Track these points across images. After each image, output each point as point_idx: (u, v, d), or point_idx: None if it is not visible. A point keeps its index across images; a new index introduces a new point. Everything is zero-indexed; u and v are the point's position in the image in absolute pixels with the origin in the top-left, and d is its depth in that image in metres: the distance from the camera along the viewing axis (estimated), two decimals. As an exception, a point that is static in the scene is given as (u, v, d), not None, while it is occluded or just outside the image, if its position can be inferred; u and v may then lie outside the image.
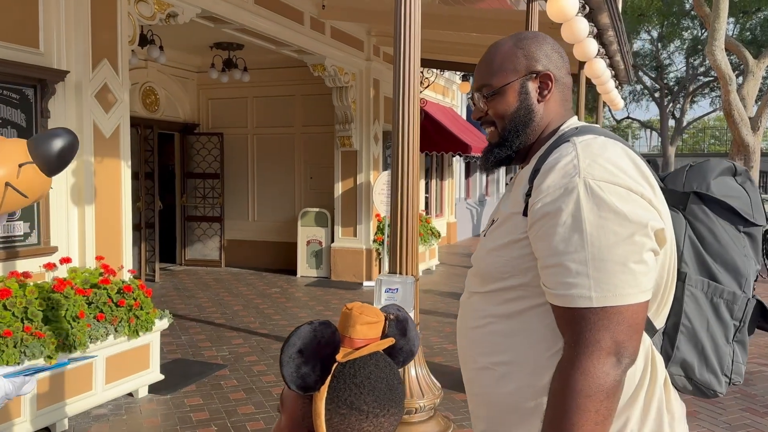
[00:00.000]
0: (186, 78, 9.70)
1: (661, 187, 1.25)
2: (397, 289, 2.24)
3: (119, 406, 4.21)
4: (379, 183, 8.33)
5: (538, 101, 1.28)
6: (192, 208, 9.92)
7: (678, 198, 1.26)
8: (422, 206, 12.00)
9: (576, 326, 1.07)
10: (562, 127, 1.28)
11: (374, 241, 8.86)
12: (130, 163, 4.80)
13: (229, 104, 9.89)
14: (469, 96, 1.38)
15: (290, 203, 9.71)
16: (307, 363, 0.88)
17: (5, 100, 3.88)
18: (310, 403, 0.91)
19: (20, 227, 3.85)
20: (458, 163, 15.22)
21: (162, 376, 4.52)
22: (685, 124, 26.85)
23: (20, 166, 1.34)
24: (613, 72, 7.01)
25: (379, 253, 8.85)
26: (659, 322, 1.22)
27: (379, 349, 0.95)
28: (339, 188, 8.92)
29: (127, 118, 4.74)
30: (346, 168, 8.86)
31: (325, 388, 0.90)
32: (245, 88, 9.52)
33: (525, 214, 1.16)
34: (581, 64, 6.16)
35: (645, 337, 1.17)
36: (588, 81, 6.88)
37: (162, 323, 4.45)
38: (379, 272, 8.93)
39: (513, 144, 1.30)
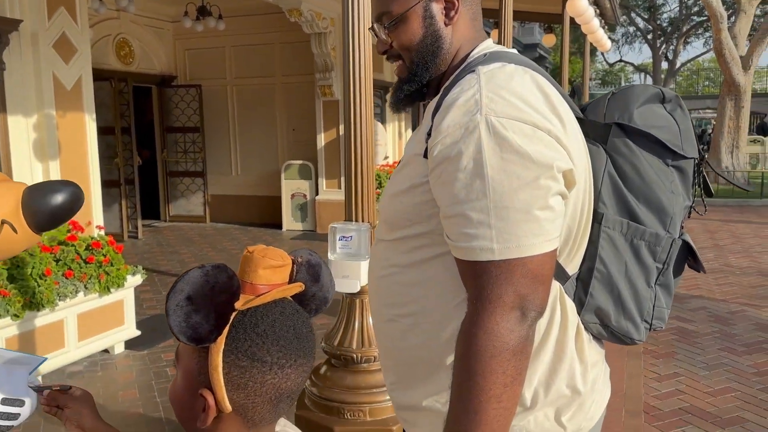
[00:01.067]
0: (161, 28, 9.40)
1: (580, 119, 1.14)
2: (352, 236, 2.16)
3: (95, 362, 4.18)
4: (362, 132, 8.20)
5: (446, 24, 1.15)
6: (173, 163, 9.76)
7: (598, 130, 1.14)
8: (396, 156, 11.81)
9: (478, 280, 0.98)
10: (472, 53, 1.16)
11: (359, 191, 8.77)
12: (94, 116, 4.65)
13: (206, 55, 9.62)
14: (370, 28, 1.25)
15: (273, 156, 9.56)
16: (198, 311, 0.78)
17: (-47, 52, 3.71)
18: (207, 356, 0.82)
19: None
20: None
21: (138, 332, 4.48)
22: (678, 65, 26.49)
23: (2, 222, 1.20)
24: (598, 10, 6.80)
25: (363, 204, 8.78)
26: (572, 268, 1.13)
27: (285, 295, 0.87)
28: (322, 139, 8.76)
29: (88, 70, 4.57)
30: (328, 118, 8.68)
31: (222, 339, 0.81)
32: (222, 37, 9.23)
33: (426, 156, 1.05)
34: (563, 2, 5.96)
35: (553, 284, 1.09)
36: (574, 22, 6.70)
37: (135, 279, 4.38)
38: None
39: (423, 77, 1.18)
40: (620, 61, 30.11)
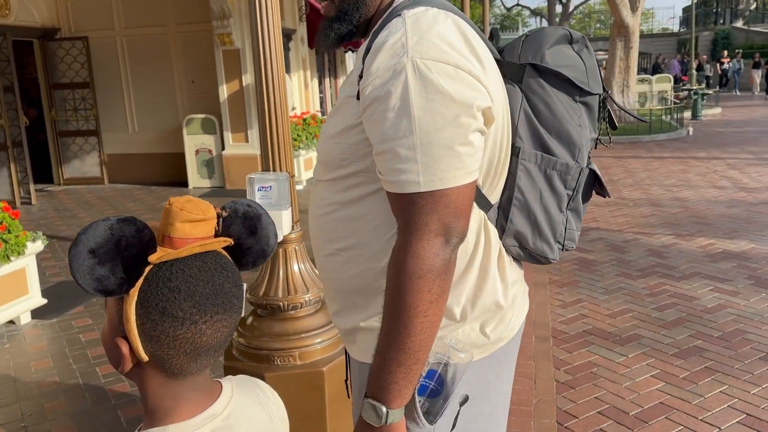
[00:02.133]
0: (37, -25, 8.64)
1: (498, 60, 1.22)
2: (270, 186, 2.14)
3: (0, 335, 3.97)
4: (266, 83, 7.97)
5: None
6: (63, 122, 9.16)
7: (514, 71, 1.23)
8: (317, 106, 11.69)
9: (406, 211, 1.06)
10: None
11: (266, 144, 8.60)
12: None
13: (91, 4, 8.95)
14: None
15: (173, 111, 9.14)
16: (103, 264, 0.77)
17: None
18: (122, 307, 0.82)
19: None
20: (350, 60, 14.83)
21: (45, 301, 4.27)
22: (571, 9, 27.35)
23: None
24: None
25: (272, 157, 8.63)
26: (494, 197, 1.23)
27: (205, 249, 0.85)
28: (224, 91, 8.46)
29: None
30: (230, 69, 8.37)
31: (135, 292, 0.81)
32: (107, -16, 8.63)
33: (359, 97, 1.10)
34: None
35: (478, 211, 1.19)
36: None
37: (36, 246, 4.15)
38: (275, 176, 8.75)
39: (353, 17, 1.21)
40: (517, 5, 30.72)
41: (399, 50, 1.04)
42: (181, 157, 8.87)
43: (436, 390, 1.16)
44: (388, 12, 1.17)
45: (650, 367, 3.30)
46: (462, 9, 8.35)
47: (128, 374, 0.87)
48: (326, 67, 12.95)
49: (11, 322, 4.11)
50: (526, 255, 1.28)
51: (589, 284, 4.58)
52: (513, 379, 1.42)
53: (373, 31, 1.16)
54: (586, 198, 1.31)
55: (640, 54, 19.70)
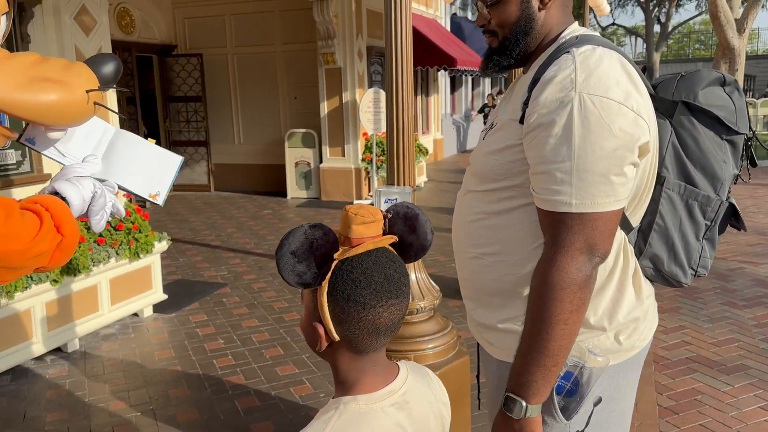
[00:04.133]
0: (160, -3, 9.37)
1: (651, 95, 1.33)
2: (396, 198, 2.31)
3: (126, 325, 4.36)
4: (366, 101, 8.24)
5: (539, 9, 1.32)
6: (176, 133, 9.83)
7: (667, 106, 1.34)
8: (431, 125, 11.96)
9: (556, 228, 1.19)
10: (563, 34, 1.33)
11: (363, 159, 8.89)
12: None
13: (206, 23, 9.61)
14: (474, 1, 1.42)
15: (276, 125, 9.64)
16: (301, 262, 0.96)
17: (-18, 25, 3.78)
18: (317, 297, 1.00)
19: (12, 156, 3.84)
20: (443, 78, 15.04)
21: (165, 296, 4.65)
22: (670, 29, 26.46)
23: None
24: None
25: (368, 172, 8.90)
26: (635, 221, 1.34)
27: (377, 245, 1.01)
28: (324, 108, 8.84)
29: (108, 41, 4.65)
30: (331, 86, 8.75)
31: (326, 284, 0.98)
32: (221, 5, 9.24)
33: (521, 122, 1.24)
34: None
35: (619, 233, 1.30)
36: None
37: (161, 245, 4.53)
38: (369, 191, 9.02)
39: (513, 52, 1.36)
40: (613, 24, 30.02)
41: (568, 85, 1.17)
42: (282, 168, 9.31)
43: (571, 390, 1.28)
44: (555, 48, 1.30)
45: (758, 398, 3.22)
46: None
47: (323, 353, 1.04)
48: (419, 85, 13.19)
49: (135, 314, 4.50)
50: (659, 277, 1.39)
51: (692, 312, 4.48)
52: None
53: (539, 64, 1.29)
54: (722, 229, 1.41)
55: (745, 76, 18.81)
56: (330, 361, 1.06)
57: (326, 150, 8.98)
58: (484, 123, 11.77)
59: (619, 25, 30.41)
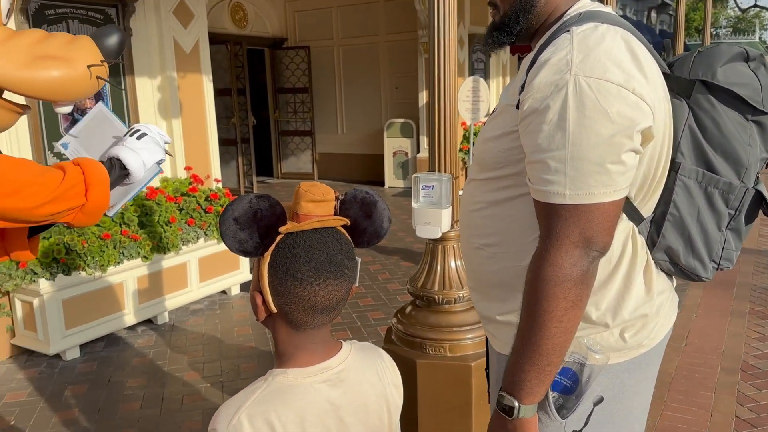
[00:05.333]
0: (272, -8, 9.78)
1: (666, 74, 1.22)
2: (433, 186, 2.29)
3: (213, 302, 4.64)
4: (464, 90, 8.12)
5: None
6: (285, 123, 10.24)
7: (683, 86, 1.22)
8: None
9: (549, 220, 1.11)
10: (568, 12, 1.23)
11: (460, 150, 8.80)
12: (211, 77, 5.02)
13: (314, 16, 9.90)
14: None
15: (377, 115, 9.77)
16: (243, 230, 0.98)
17: (90, 21, 4.15)
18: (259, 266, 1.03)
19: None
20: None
21: (251, 276, 4.88)
22: (824, 9, 23.77)
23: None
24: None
25: (464, 162, 8.80)
26: (647, 211, 1.23)
27: (323, 225, 1.02)
28: (423, 97, 8.83)
29: (205, 34, 4.93)
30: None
31: (268, 255, 1.00)
32: (329, -2, 9.48)
33: (518, 106, 1.17)
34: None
35: (627, 223, 1.21)
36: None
37: (247, 228, 4.76)
38: (465, 180, 8.92)
39: (513, 29, 1.28)
40: (755, 6, 27.42)
41: (563, 67, 1.08)
42: (380, 158, 9.44)
43: (570, 387, 1.21)
44: (557, 26, 1.21)
45: None
46: (676, 12, 7.76)
47: (264, 322, 1.07)
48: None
49: (223, 292, 4.78)
50: (677, 270, 1.28)
51: None
52: (653, 388, 1.40)
53: (539, 44, 1.21)
54: (750, 219, 1.27)
55: None
56: (271, 332, 1.09)
57: (423, 140, 8.98)
58: None
59: (762, 7, 27.74)
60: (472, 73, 8.96)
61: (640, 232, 1.24)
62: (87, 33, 1.42)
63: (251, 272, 1.11)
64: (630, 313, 1.24)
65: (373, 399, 1.08)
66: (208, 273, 4.55)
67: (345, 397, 1.04)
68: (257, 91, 10.18)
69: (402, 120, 9.17)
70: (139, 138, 1.52)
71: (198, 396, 3.26)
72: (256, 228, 0.98)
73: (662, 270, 1.29)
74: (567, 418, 1.22)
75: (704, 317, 4.14)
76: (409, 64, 9.16)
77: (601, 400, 1.26)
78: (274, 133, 10.36)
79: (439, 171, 2.37)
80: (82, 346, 3.81)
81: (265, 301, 1.03)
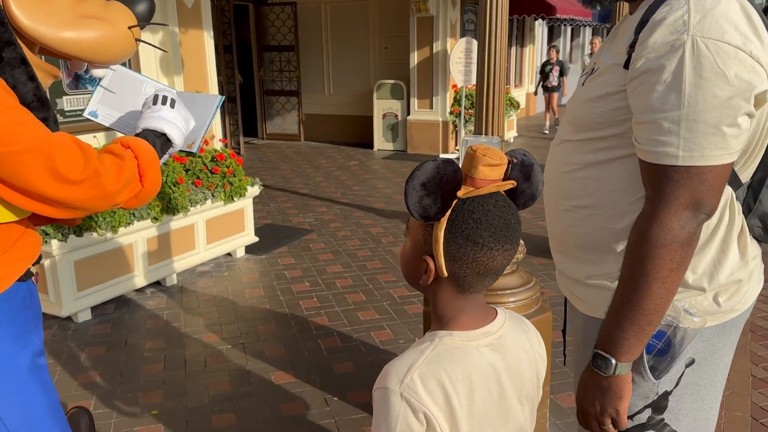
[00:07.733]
0: (257, -55, 9.46)
1: None
2: (484, 148, 2.27)
3: (220, 264, 4.59)
4: (457, 51, 8.05)
5: None
6: (270, 82, 10.03)
7: None
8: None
9: (658, 181, 1.11)
10: None
11: (451, 113, 8.76)
12: (212, 33, 4.87)
13: (301, -28, 9.64)
14: None
15: (365, 76, 9.63)
16: (429, 195, 0.95)
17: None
18: (431, 231, 1.00)
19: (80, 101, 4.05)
20: (540, 28, 14.45)
21: (257, 239, 4.85)
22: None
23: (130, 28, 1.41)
24: None
25: (455, 125, 8.78)
26: (745, 177, 1.24)
27: (499, 189, 1.01)
28: (414, 58, 8.73)
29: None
30: (422, 36, 8.61)
31: (444, 220, 0.98)
32: (317, -47, 9.21)
33: (626, 66, 1.15)
34: None
35: (726, 189, 1.21)
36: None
37: (254, 190, 4.70)
38: (456, 145, 8.91)
39: None
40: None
41: (680, 27, 1.07)
42: (369, 120, 9.35)
43: (662, 350, 1.23)
44: None
45: None
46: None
47: (425, 287, 1.05)
48: (513, 35, 12.75)
49: (229, 254, 4.73)
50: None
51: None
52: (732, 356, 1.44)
53: (648, 4, 1.19)
54: None
55: None
56: (430, 295, 1.08)
57: (414, 102, 8.91)
58: (543, 85, 11.04)
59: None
60: (463, 34, 8.87)
61: (736, 198, 1.25)
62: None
63: (406, 234, 1.08)
64: (726, 277, 1.26)
65: (526, 366, 1.09)
66: (215, 235, 4.49)
67: (504, 362, 1.05)
68: (242, 49, 9.92)
69: (392, 81, 9.06)
70: (172, 106, 1.51)
71: (221, 357, 3.25)
72: (440, 193, 0.96)
73: (754, 236, 1.31)
74: (660, 379, 1.25)
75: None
76: (401, 23, 9.01)
77: (692, 361, 1.28)
78: (258, 92, 10.15)
79: (487, 134, 2.36)
80: (93, 309, 3.75)
81: (437, 266, 1.01)
